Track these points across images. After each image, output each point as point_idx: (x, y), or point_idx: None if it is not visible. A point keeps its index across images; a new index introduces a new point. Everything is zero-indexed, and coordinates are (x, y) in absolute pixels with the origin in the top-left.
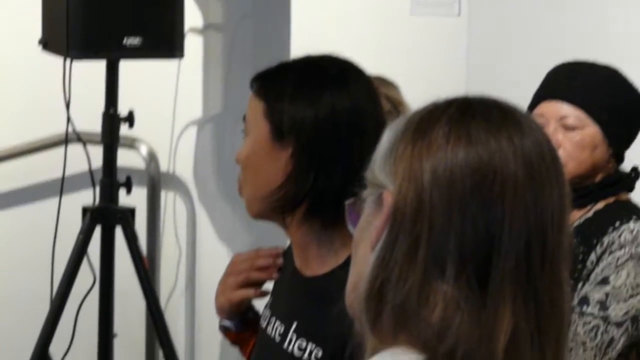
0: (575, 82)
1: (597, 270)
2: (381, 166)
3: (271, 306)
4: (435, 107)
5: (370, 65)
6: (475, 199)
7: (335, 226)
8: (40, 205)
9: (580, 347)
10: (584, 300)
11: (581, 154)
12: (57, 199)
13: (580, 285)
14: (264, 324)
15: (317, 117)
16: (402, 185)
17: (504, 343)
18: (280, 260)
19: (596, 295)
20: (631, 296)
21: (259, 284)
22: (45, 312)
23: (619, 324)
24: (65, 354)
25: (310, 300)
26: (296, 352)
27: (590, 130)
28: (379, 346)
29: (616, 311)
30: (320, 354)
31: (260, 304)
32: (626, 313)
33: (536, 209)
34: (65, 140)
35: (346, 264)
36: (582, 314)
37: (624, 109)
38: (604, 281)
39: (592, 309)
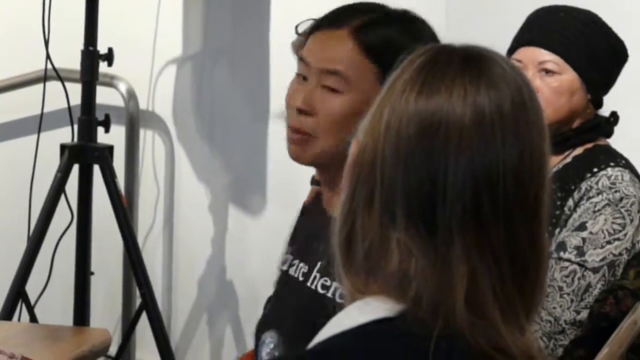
0: (553, 28)
1: (575, 216)
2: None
3: (293, 252)
4: (413, 56)
5: None
6: (418, 148)
7: None
8: (19, 142)
9: (557, 293)
10: (562, 246)
11: (559, 100)
12: (35, 137)
13: (557, 231)
14: (285, 267)
15: None
16: (365, 135)
17: (463, 291)
18: None
19: (573, 241)
20: (608, 242)
21: None
22: (22, 250)
23: (595, 270)
24: (42, 292)
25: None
26: (320, 289)
27: (568, 76)
28: (356, 295)
29: (593, 257)
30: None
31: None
32: (603, 259)
33: (484, 159)
34: (44, 77)
35: None
36: (559, 259)
37: (602, 55)
38: (581, 227)
39: (569, 254)
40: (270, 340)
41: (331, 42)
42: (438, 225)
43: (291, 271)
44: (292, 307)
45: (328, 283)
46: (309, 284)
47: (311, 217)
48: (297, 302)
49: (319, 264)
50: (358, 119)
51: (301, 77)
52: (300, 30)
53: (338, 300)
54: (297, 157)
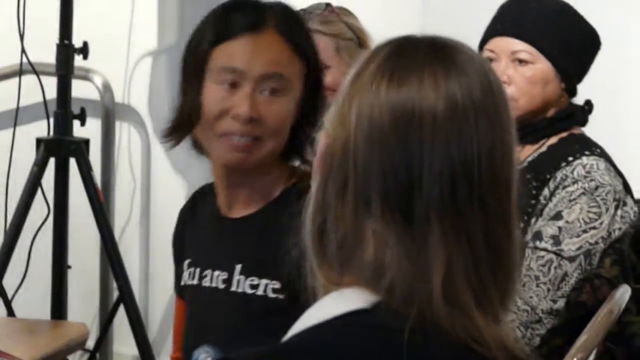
0: (525, 17)
1: (551, 205)
2: (331, 108)
3: (196, 263)
4: (377, 47)
5: None
6: (392, 135)
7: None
8: None
9: (534, 282)
10: (538, 235)
11: (533, 89)
12: (11, 131)
13: (533, 220)
14: (194, 281)
15: None
16: (334, 126)
17: (441, 277)
18: None
19: (549, 230)
20: (584, 231)
21: None
22: None
23: (572, 259)
24: (19, 286)
25: (250, 240)
26: (248, 290)
27: (542, 65)
28: (329, 287)
29: (569, 246)
30: (277, 285)
31: None
32: (579, 248)
33: (459, 144)
34: (19, 71)
35: (278, 199)
36: (535, 248)
37: (575, 43)
38: (557, 216)
39: (546, 243)
40: (205, 355)
41: (263, 45)
42: (415, 210)
43: (205, 283)
44: (221, 317)
45: (256, 282)
46: (233, 289)
47: (201, 226)
48: (227, 309)
49: (237, 266)
50: (297, 116)
51: (226, 85)
52: None
53: (270, 295)
54: (243, 163)
